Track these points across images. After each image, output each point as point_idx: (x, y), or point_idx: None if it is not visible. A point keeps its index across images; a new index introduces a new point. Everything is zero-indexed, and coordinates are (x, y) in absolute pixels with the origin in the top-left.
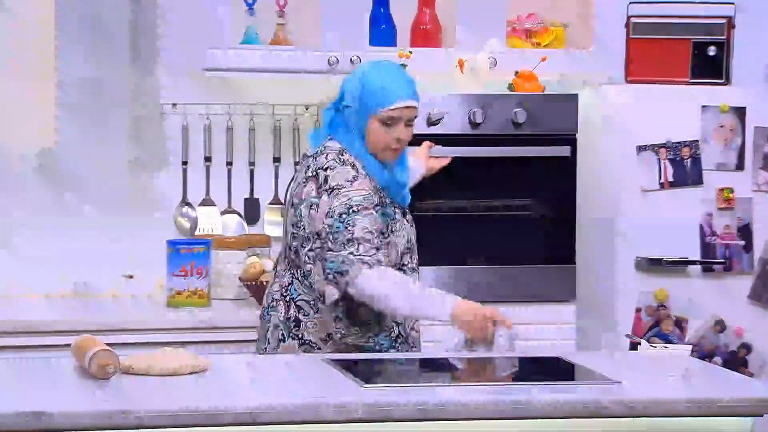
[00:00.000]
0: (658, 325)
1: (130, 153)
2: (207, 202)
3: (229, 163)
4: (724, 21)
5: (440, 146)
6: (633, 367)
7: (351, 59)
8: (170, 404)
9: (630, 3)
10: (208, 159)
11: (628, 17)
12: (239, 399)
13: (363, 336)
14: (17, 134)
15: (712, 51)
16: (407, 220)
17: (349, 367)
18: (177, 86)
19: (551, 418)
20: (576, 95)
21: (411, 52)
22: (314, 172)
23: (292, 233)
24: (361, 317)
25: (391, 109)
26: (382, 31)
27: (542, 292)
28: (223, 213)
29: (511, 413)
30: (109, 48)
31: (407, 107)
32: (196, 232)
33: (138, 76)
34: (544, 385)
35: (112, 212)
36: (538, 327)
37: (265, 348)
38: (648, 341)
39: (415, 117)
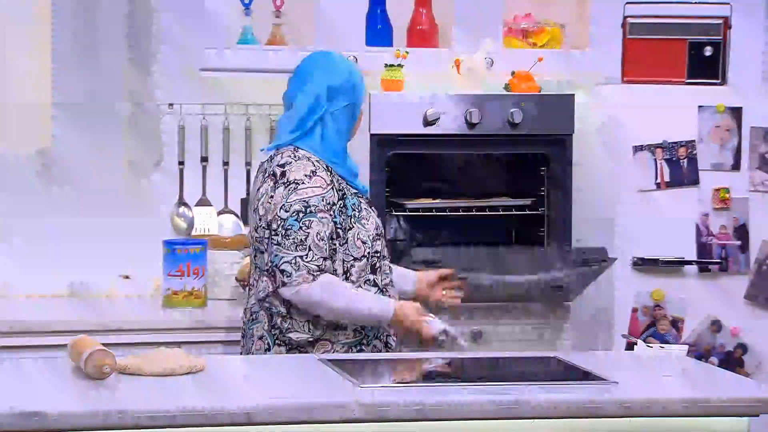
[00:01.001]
0: (654, 325)
1: (126, 153)
2: (203, 202)
3: (226, 163)
4: (720, 21)
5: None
6: (629, 367)
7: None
8: (166, 404)
9: (626, 3)
10: (204, 159)
11: (625, 17)
12: (235, 399)
13: (349, 342)
14: (14, 135)
15: (708, 51)
16: (372, 209)
17: (345, 367)
18: (173, 86)
19: (548, 418)
20: (572, 95)
21: (407, 53)
22: (272, 171)
23: (256, 238)
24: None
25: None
26: (378, 31)
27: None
28: (219, 213)
29: (508, 413)
30: (105, 48)
31: None
32: (193, 233)
33: (134, 76)
34: (541, 385)
35: (109, 212)
36: (534, 327)
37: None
38: (644, 341)
39: None
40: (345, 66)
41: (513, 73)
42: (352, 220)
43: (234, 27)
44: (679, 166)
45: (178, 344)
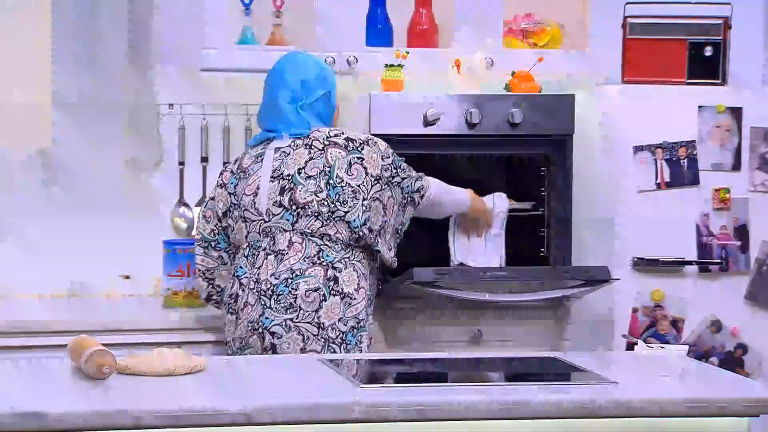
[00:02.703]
0: (654, 326)
1: (126, 153)
2: (203, 202)
3: (226, 164)
4: (720, 21)
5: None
6: (629, 367)
7: (348, 60)
8: (167, 404)
9: (626, 3)
10: (204, 159)
11: (625, 17)
12: (236, 399)
13: (371, 287)
14: (14, 135)
15: (708, 51)
16: None
17: (345, 367)
18: (173, 86)
19: (547, 418)
20: (572, 96)
21: (408, 53)
22: (326, 142)
23: (322, 200)
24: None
25: None
26: (378, 31)
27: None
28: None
29: (508, 413)
30: (105, 48)
31: None
32: (193, 233)
33: (134, 76)
34: (541, 386)
35: (109, 212)
36: (534, 327)
37: (291, 318)
38: (644, 341)
39: None
40: (313, 61)
41: (513, 73)
42: None
43: (234, 27)
44: (680, 167)
45: (178, 344)
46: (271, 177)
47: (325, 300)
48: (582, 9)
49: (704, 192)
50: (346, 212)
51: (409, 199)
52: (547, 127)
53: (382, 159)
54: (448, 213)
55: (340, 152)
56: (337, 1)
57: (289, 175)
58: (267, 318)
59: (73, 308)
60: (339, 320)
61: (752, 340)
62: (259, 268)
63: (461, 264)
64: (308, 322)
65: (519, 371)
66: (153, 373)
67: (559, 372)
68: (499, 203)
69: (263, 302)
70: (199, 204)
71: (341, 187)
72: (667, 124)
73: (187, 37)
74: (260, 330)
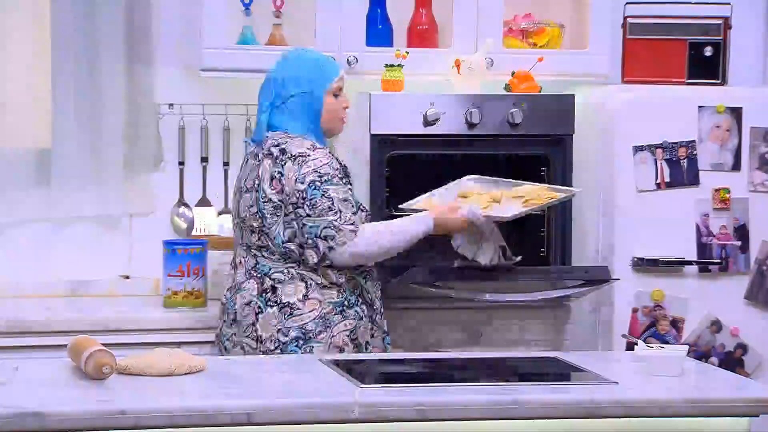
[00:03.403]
0: (654, 326)
1: (126, 153)
2: (203, 202)
3: (226, 164)
4: (720, 21)
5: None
6: (629, 367)
7: (348, 60)
8: (166, 404)
9: (626, 3)
10: (204, 159)
11: (625, 17)
12: (236, 399)
13: (330, 294)
14: (13, 134)
15: (708, 51)
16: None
17: (345, 367)
18: (173, 86)
19: (548, 418)
20: (572, 95)
21: (408, 53)
22: (267, 151)
23: (253, 215)
24: (330, 279)
25: (339, 79)
26: (378, 31)
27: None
28: (219, 213)
29: (508, 413)
30: (104, 48)
31: (342, 76)
32: (193, 233)
33: (134, 76)
34: (541, 386)
35: (109, 212)
36: (534, 327)
37: (234, 333)
38: (644, 341)
39: None
40: (296, 61)
41: (513, 73)
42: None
43: (234, 27)
44: (679, 167)
45: (178, 344)
46: (234, 189)
47: (261, 312)
48: (582, 9)
49: (704, 192)
50: (270, 228)
51: (310, 242)
52: (547, 127)
53: (295, 182)
54: (409, 244)
55: (269, 164)
56: (337, 1)
57: (239, 187)
58: (223, 333)
59: (72, 308)
60: (278, 331)
61: (752, 340)
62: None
63: (461, 262)
64: (247, 336)
65: (519, 371)
66: (153, 373)
67: (559, 372)
68: (475, 211)
69: (222, 317)
70: (199, 204)
71: (263, 202)
72: (667, 124)
73: (187, 36)
74: (221, 343)
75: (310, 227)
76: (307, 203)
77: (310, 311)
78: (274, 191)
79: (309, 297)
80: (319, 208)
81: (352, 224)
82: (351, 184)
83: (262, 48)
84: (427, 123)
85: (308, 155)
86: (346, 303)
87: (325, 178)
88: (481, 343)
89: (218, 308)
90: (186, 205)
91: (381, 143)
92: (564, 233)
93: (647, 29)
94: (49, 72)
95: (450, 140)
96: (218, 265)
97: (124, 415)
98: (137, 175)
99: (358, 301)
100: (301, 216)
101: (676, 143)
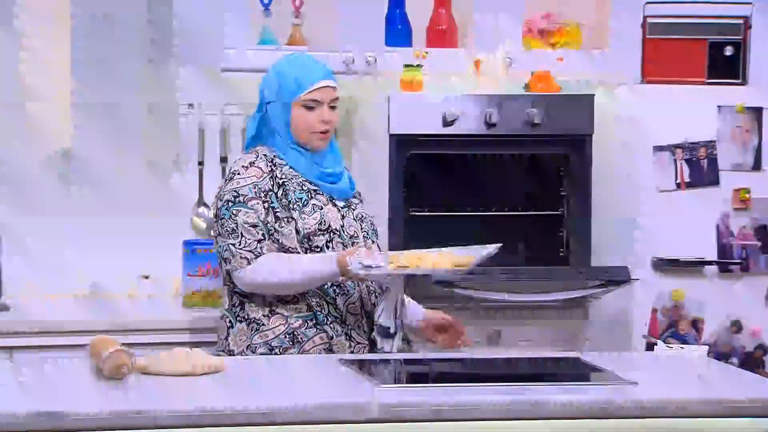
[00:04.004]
0: (674, 326)
1: (146, 153)
2: None
3: None
4: (740, 21)
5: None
6: (649, 367)
7: (367, 60)
8: (185, 404)
9: (646, 3)
10: (224, 159)
11: (645, 17)
12: (254, 399)
13: (298, 311)
14: (35, 135)
15: (728, 51)
16: (338, 206)
17: (363, 367)
18: (193, 86)
19: (567, 418)
20: (592, 95)
21: (427, 53)
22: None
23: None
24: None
25: (310, 92)
26: (397, 31)
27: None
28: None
29: (527, 414)
30: (125, 48)
31: (325, 87)
32: (212, 233)
33: (154, 76)
34: (560, 386)
35: (129, 212)
36: (553, 327)
37: (227, 340)
38: (664, 342)
39: (336, 99)
40: (274, 67)
41: (532, 73)
42: (291, 210)
43: (254, 27)
44: (699, 167)
45: (198, 344)
46: None
47: (232, 326)
48: (602, 9)
49: (724, 192)
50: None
51: (219, 261)
52: (566, 127)
53: (216, 199)
54: (310, 282)
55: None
56: (357, 1)
57: None
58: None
59: (93, 308)
60: (247, 347)
61: None
62: None
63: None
64: (222, 350)
65: (538, 371)
66: (172, 373)
67: (578, 372)
68: (354, 258)
69: None
70: (216, 222)
71: (213, 219)
72: (687, 124)
73: (206, 37)
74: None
75: (217, 246)
76: (219, 222)
77: (275, 327)
78: (213, 209)
79: (275, 312)
80: (224, 228)
81: (249, 251)
82: (285, 208)
83: (281, 48)
84: (446, 123)
85: (238, 173)
86: (315, 319)
87: (240, 199)
88: (500, 344)
89: None
90: (205, 205)
91: (400, 143)
92: (583, 233)
93: (667, 29)
94: (69, 72)
95: (469, 140)
96: None
97: (142, 415)
98: (157, 174)
99: (328, 319)
100: (215, 233)
101: (696, 143)
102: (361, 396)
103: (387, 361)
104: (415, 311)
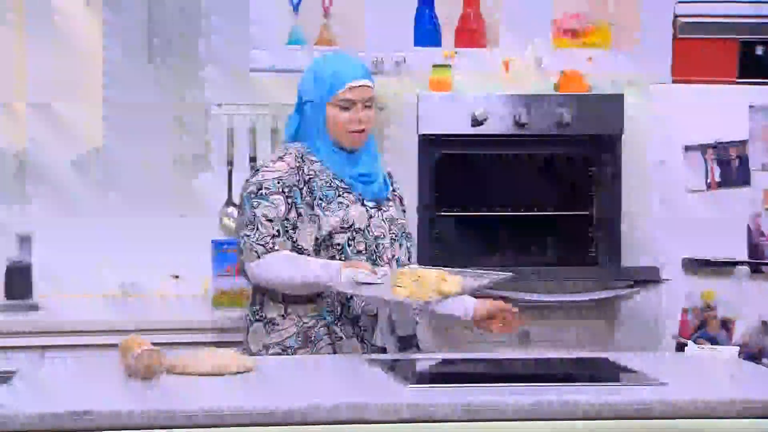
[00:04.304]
0: (704, 326)
1: (175, 153)
2: None
3: None
4: None
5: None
6: (679, 368)
7: (396, 60)
8: (216, 404)
9: (677, 2)
10: (252, 159)
11: (675, 16)
12: (284, 399)
13: (313, 311)
14: (66, 135)
15: (760, 50)
16: (367, 206)
17: (393, 367)
18: (222, 86)
19: (597, 419)
20: (622, 95)
21: (456, 53)
22: None
23: None
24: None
25: (344, 92)
26: (426, 31)
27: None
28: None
29: (557, 414)
30: (155, 49)
31: (360, 86)
32: None
33: (183, 76)
34: (590, 386)
35: (158, 213)
36: (583, 327)
37: (247, 339)
38: (695, 342)
39: (371, 98)
40: (311, 67)
41: (562, 72)
42: (315, 207)
43: (283, 27)
44: (730, 167)
45: (227, 344)
46: None
47: (251, 325)
48: (632, 8)
49: (755, 192)
50: None
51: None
52: (596, 127)
53: (242, 189)
54: (311, 286)
55: None
56: (386, 2)
57: None
58: None
59: (123, 308)
60: (263, 346)
61: None
62: None
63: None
64: (244, 348)
65: (568, 372)
66: (202, 373)
67: (608, 373)
68: (350, 272)
69: None
70: (238, 213)
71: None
72: (717, 123)
73: (235, 37)
74: None
75: (237, 237)
76: (240, 212)
77: (288, 328)
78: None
79: (289, 312)
80: (243, 219)
81: (261, 245)
82: (309, 205)
83: (310, 48)
84: (476, 123)
85: (266, 166)
86: (326, 320)
87: (263, 192)
88: (529, 344)
89: None
90: (234, 206)
91: (429, 143)
92: (613, 234)
93: (698, 28)
94: (101, 72)
95: (498, 140)
96: None
97: (173, 415)
98: (186, 174)
99: (339, 320)
100: (236, 226)
101: (726, 143)
102: (391, 396)
103: (416, 360)
104: (466, 304)
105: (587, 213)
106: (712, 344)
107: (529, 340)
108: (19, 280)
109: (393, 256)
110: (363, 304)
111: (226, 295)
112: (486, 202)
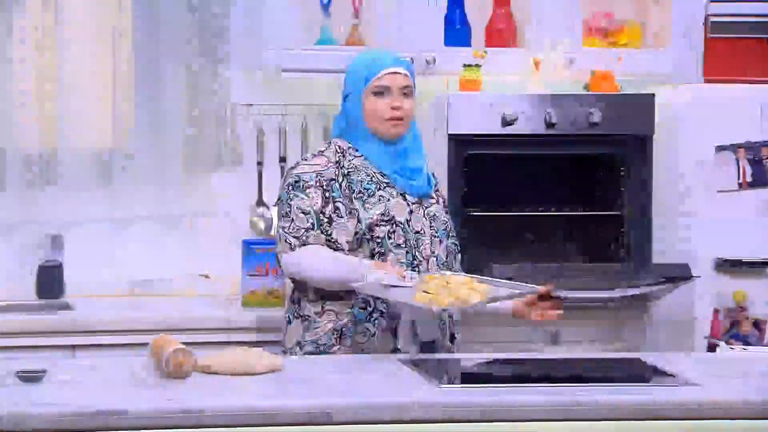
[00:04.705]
0: (736, 327)
1: (207, 154)
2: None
3: None
4: None
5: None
6: (711, 368)
7: (426, 60)
8: (246, 403)
9: (709, 2)
10: (282, 159)
11: (707, 16)
12: (314, 398)
13: (348, 308)
14: (95, 135)
15: None
16: (409, 201)
17: (425, 366)
18: (252, 86)
19: (629, 419)
20: (653, 95)
21: (486, 52)
22: None
23: None
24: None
25: (379, 78)
26: (457, 31)
27: None
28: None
29: (589, 414)
30: (182, 48)
31: (393, 73)
32: (271, 233)
33: (212, 76)
34: (622, 387)
35: (188, 212)
36: (613, 327)
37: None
38: (726, 343)
39: (409, 87)
40: (349, 64)
41: (592, 72)
42: (354, 200)
43: (313, 27)
44: (762, 166)
45: (257, 343)
46: None
47: (290, 323)
48: (662, 7)
49: None
50: None
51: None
52: (626, 127)
53: (281, 182)
54: (340, 284)
55: None
56: (416, 2)
57: None
58: None
59: (153, 307)
60: (297, 344)
61: None
62: None
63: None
64: (282, 346)
65: (600, 372)
66: (232, 372)
67: (639, 373)
68: (375, 274)
69: None
70: (277, 204)
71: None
72: (749, 123)
73: (265, 37)
74: None
75: (276, 228)
76: (278, 204)
77: (324, 324)
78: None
79: (326, 309)
80: (280, 211)
81: (295, 237)
82: (348, 199)
83: (340, 48)
84: (505, 123)
85: (306, 159)
86: (361, 317)
87: (300, 185)
88: (560, 344)
89: None
90: (264, 205)
91: (459, 143)
92: (644, 234)
93: (729, 28)
94: (126, 71)
95: (528, 140)
96: None
97: (203, 414)
98: (216, 175)
99: (373, 315)
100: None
101: (758, 143)
102: (424, 395)
103: (447, 360)
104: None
105: (618, 213)
106: (743, 345)
107: (559, 339)
108: (51, 280)
109: (433, 252)
110: (387, 306)
111: (255, 294)
112: (515, 201)
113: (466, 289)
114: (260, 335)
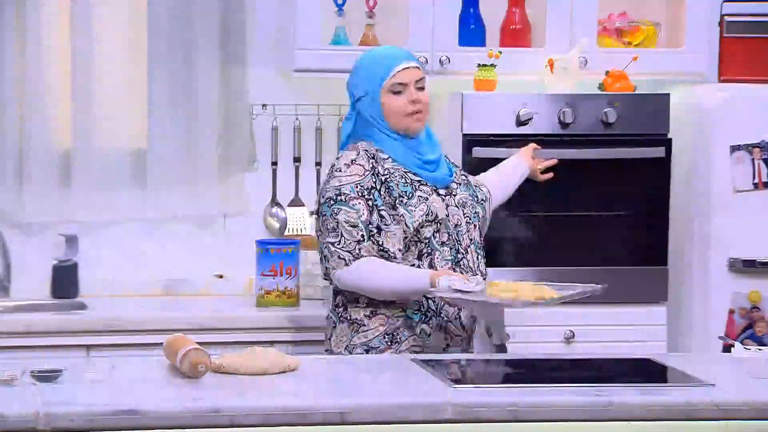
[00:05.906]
0: (751, 327)
1: (220, 153)
2: (296, 202)
3: (318, 164)
4: None
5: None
6: (726, 369)
7: (440, 59)
8: (261, 403)
9: (723, 2)
10: (297, 159)
11: (722, 16)
12: (328, 398)
13: (400, 311)
14: (110, 135)
15: None
16: (441, 194)
17: (438, 367)
18: (266, 87)
19: (643, 420)
20: (668, 95)
21: (500, 52)
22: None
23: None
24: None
25: (394, 75)
26: (471, 31)
27: (634, 294)
28: (312, 213)
29: (603, 415)
30: (199, 48)
31: (407, 68)
32: (286, 233)
33: (227, 76)
34: (636, 387)
35: (203, 212)
36: (629, 328)
37: (330, 340)
38: (741, 343)
39: (422, 79)
40: (356, 65)
41: (607, 72)
42: (397, 206)
43: (327, 28)
44: None
45: (272, 343)
46: None
47: (336, 327)
48: (678, 7)
49: None
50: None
51: (320, 259)
52: (641, 127)
53: (319, 196)
54: (399, 296)
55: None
56: (430, 1)
57: None
58: None
59: (168, 307)
60: (345, 348)
61: None
62: None
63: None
64: (326, 349)
65: (613, 372)
66: (247, 372)
67: (654, 374)
68: (443, 281)
69: None
70: (291, 204)
71: (315, 216)
72: (764, 123)
73: (279, 37)
74: None
75: (319, 244)
76: (320, 219)
77: (375, 327)
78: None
79: (377, 313)
80: (325, 227)
81: (348, 251)
82: (391, 205)
83: (354, 48)
84: (520, 123)
85: (340, 170)
86: (414, 319)
87: (342, 198)
88: (573, 344)
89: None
90: (279, 205)
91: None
92: (659, 234)
93: (745, 27)
94: (144, 73)
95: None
96: (311, 264)
97: (218, 414)
98: (231, 175)
99: (426, 315)
100: (316, 231)
101: None
102: (435, 396)
103: (460, 361)
104: (521, 170)
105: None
106: (759, 345)
107: (572, 339)
108: (66, 280)
109: (471, 240)
110: (456, 310)
111: (269, 294)
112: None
113: (533, 289)
114: (274, 335)
